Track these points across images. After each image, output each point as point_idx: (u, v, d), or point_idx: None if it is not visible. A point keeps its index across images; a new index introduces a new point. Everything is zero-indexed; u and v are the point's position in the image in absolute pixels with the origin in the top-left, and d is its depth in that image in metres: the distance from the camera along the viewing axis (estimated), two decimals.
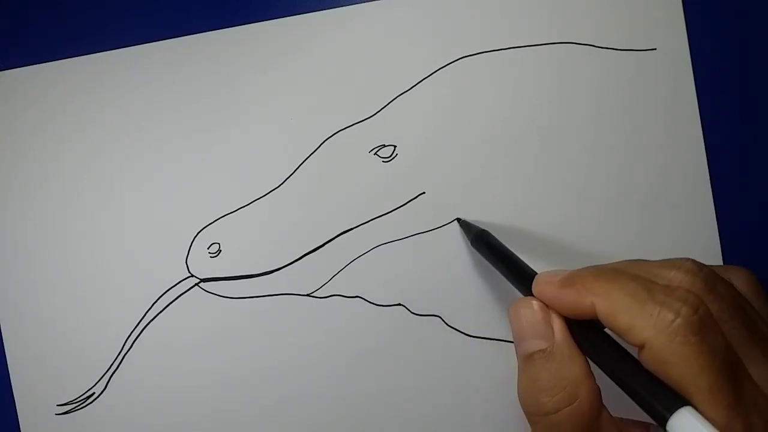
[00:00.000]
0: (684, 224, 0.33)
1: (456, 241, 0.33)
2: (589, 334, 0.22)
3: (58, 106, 0.34)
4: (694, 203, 0.33)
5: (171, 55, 0.34)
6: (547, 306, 0.23)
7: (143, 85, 0.34)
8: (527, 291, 0.25)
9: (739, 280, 0.23)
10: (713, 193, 0.33)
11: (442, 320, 0.33)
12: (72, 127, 0.34)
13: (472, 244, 0.32)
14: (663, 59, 0.33)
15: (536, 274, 0.25)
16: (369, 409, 0.33)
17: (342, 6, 0.34)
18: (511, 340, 0.33)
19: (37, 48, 0.35)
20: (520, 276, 0.26)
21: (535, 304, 0.23)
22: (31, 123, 0.35)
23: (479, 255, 0.31)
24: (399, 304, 0.33)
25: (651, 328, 0.19)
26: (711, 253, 0.33)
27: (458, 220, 0.33)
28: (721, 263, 0.33)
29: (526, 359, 0.23)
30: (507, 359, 0.33)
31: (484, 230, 0.31)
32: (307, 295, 0.34)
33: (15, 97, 0.35)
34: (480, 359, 0.33)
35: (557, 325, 0.23)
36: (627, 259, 0.23)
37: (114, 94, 0.34)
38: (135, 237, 0.34)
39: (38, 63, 0.35)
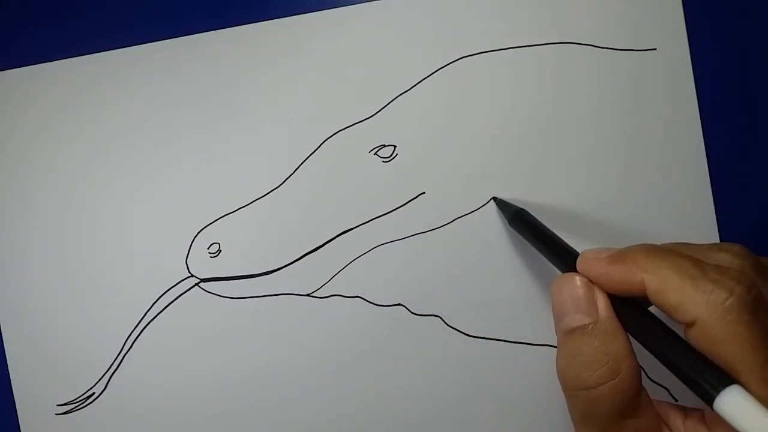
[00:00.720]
0: (684, 224, 0.33)
1: (456, 240, 0.33)
2: (633, 311, 0.22)
3: (58, 106, 0.34)
4: (694, 203, 0.33)
5: (171, 55, 0.34)
6: (591, 282, 0.23)
7: (143, 85, 0.34)
8: (569, 269, 0.24)
9: None
10: (713, 193, 0.33)
11: (442, 320, 0.33)
12: (72, 127, 0.34)
13: (510, 223, 0.31)
14: (663, 59, 0.33)
15: (578, 253, 0.25)
16: (369, 409, 0.33)
17: (342, 6, 0.34)
18: (511, 340, 0.33)
19: (37, 48, 0.35)
20: (562, 254, 0.26)
21: (579, 279, 0.23)
22: (31, 123, 0.35)
23: (481, 255, 0.31)
24: (399, 304, 0.33)
25: (703, 305, 0.19)
26: None
27: (494, 199, 0.33)
28: None
29: (568, 333, 0.23)
30: (507, 359, 0.33)
31: (522, 209, 0.31)
32: (307, 295, 0.34)
33: (15, 97, 0.35)
34: (480, 359, 0.33)
35: (602, 301, 0.23)
36: (672, 242, 0.23)
37: (114, 94, 0.34)
38: (135, 237, 0.34)
39: (38, 63, 0.35)
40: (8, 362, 0.34)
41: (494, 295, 0.33)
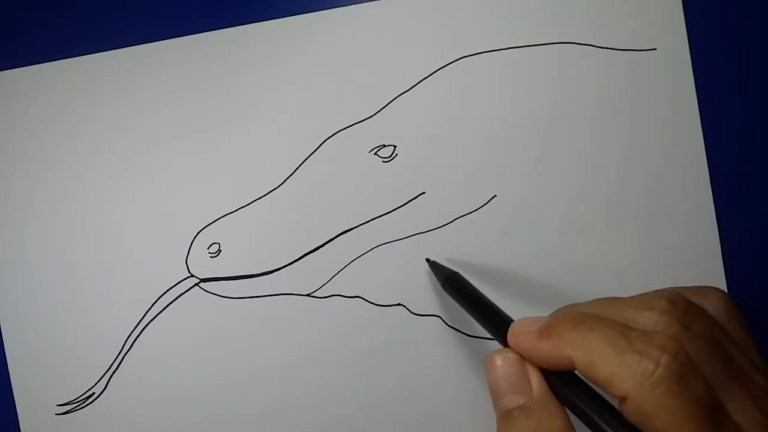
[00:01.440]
0: (684, 224, 0.33)
1: (456, 240, 0.33)
2: (568, 385, 0.22)
3: (58, 106, 0.34)
4: (694, 203, 0.33)
5: (171, 55, 0.34)
6: (523, 358, 0.23)
7: (143, 85, 0.34)
8: (503, 340, 0.24)
9: (713, 302, 0.22)
10: (713, 193, 0.33)
11: (442, 320, 0.33)
12: (72, 127, 0.34)
13: (442, 287, 0.31)
14: (663, 59, 0.33)
15: (511, 321, 0.24)
16: (369, 408, 0.33)
17: (342, 6, 0.34)
18: None
19: (37, 48, 0.35)
20: (495, 324, 0.25)
21: (510, 356, 0.23)
22: (31, 123, 0.35)
23: (480, 255, 0.31)
24: (399, 304, 0.33)
25: (631, 379, 0.19)
26: (711, 253, 0.33)
27: (427, 260, 0.33)
28: (721, 263, 0.33)
29: (505, 416, 0.22)
30: None
31: (455, 272, 0.31)
32: (307, 295, 0.34)
33: (15, 97, 0.35)
34: (480, 359, 0.33)
35: (535, 378, 0.22)
36: (602, 297, 0.23)
37: (114, 94, 0.34)
38: (135, 237, 0.34)
39: (38, 63, 0.35)
40: (8, 362, 0.34)
41: (494, 295, 0.33)
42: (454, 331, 0.33)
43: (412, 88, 0.34)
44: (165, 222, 0.34)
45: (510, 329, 0.23)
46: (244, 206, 0.34)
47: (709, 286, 0.23)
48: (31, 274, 0.34)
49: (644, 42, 0.33)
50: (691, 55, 0.33)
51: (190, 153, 0.34)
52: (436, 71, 0.34)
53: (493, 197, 0.33)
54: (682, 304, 0.21)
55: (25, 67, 0.35)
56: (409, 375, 0.33)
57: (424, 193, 0.34)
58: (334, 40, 0.34)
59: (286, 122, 0.34)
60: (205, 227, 0.34)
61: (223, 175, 0.34)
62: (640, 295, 0.22)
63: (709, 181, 0.33)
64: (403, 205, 0.34)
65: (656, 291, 0.22)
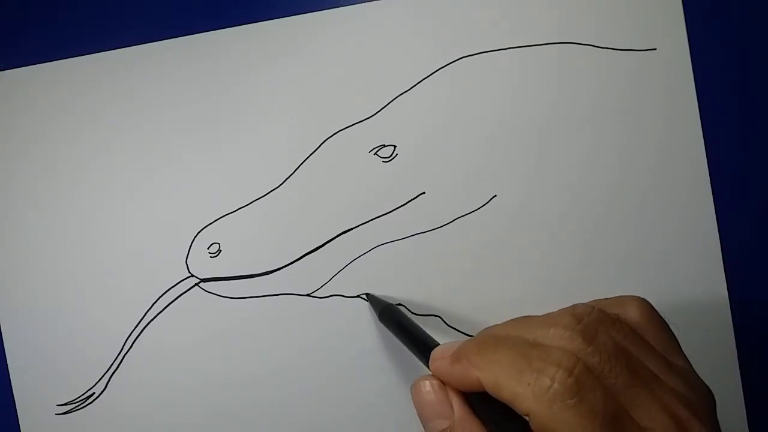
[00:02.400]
0: (684, 224, 0.33)
1: (456, 240, 0.33)
2: (486, 405, 0.22)
3: (58, 106, 0.34)
4: (694, 203, 0.33)
5: (171, 55, 0.34)
6: (443, 382, 0.24)
7: (143, 85, 0.34)
8: (427, 363, 0.25)
9: (632, 310, 0.23)
10: (713, 193, 0.33)
11: (442, 320, 0.33)
12: (72, 127, 0.34)
13: (379, 319, 0.32)
14: (663, 59, 0.33)
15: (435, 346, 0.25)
16: (369, 408, 0.33)
17: (342, 6, 0.34)
18: None
19: (37, 48, 0.35)
20: (423, 351, 0.26)
21: (429, 383, 0.24)
22: (31, 123, 0.35)
23: (480, 255, 0.31)
24: (399, 304, 0.33)
25: (531, 396, 0.20)
26: (711, 253, 0.33)
27: (367, 294, 0.33)
28: (720, 263, 0.33)
29: None
30: None
31: (390, 305, 0.31)
32: (307, 295, 0.34)
33: (15, 97, 0.35)
34: None
35: (455, 401, 0.23)
36: (517, 317, 0.23)
37: (114, 94, 0.34)
38: (135, 237, 0.34)
39: (38, 63, 0.35)
40: (8, 362, 0.34)
41: (494, 295, 0.33)
42: (454, 331, 0.33)
43: (412, 88, 0.34)
44: (165, 222, 0.34)
45: (431, 356, 0.25)
46: (244, 206, 0.34)
47: (629, 296, 0.24)
48: (31, 274, 0.34)
49: (644, 42, 0.33)
50: (691, 55, 0.33)
51: (190, 153, 0.34)
52: (436, 71, 0.34)
53: (493, 197, 0.33)
54: (589, 317, 0.22)
55: (25, 67, 0.35)
56: (409, 375, 0.33)
57: (424, 193, 0.34)
58: (334, 40, 0.34)
59: (286, 122, 0.34)
60: (205, 227, 0.34)
61: (223, 175, 0.34)
62: (550, 312, 0.23)
63: (709, 181, 0.33)
64: (403, 205, 0.34)
65: (569, 306, 0.23)
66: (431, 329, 0.33)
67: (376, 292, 0.33)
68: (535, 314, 0.23)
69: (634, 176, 0.33)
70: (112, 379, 0.34)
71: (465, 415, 0.23)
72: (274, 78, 0.34)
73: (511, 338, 0.22)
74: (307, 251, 0.34)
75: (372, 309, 0.33)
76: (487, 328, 0.24)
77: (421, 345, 0.27)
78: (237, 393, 0.34)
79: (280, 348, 0.34)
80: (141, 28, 0.34)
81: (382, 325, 0.32)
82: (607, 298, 0.24)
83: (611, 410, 0.19)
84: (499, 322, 0.24)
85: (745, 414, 0.32)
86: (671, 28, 0.33)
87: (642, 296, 0.31)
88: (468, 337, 0.33)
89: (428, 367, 0.25)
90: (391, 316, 0.31)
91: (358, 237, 0.34)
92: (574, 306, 0.23)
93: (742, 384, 0.32)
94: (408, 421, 0.33)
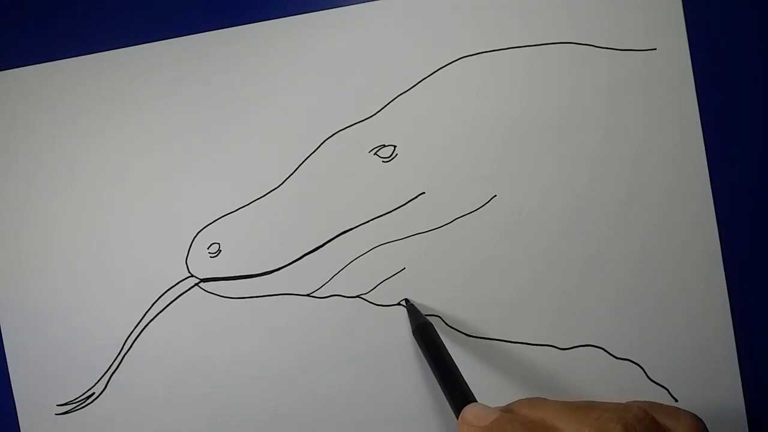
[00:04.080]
0: (684, 224, 0.33)
1: (456, 240, 0.33)
2: None
3: (58, 106, 0.34)
4: (694, 203, 0.33)
5: (171, 55, 0.34)
6: None
7: (143, 85, 0.34)
8: (456, 413, 0.25)
9: (685, 428, 0.23)
10: (713, 193, 0.33)
11: (442, 320, 0.33)
12: (72, 128, 0.34)
13: (413, 334, 0.32)
14: (663, 59, 0.33)
15: (471, 398, 0.25)
16: (369, 408, 0.33)
17: (342, 6, 0.34)
18: (511, 340, 0.33)
19: (37, 48, 0.35)
20: (454, 394, 0.27)
21: None
22: (31, 123, 0.35)
23: (481, 255, 0.31)
24: (399, 304, 0.33)
25: None
26: (711, 253, 0.33)
27: (406, 301, 0.33)
28: (721, 263, 0.33)
29: None
30: (506, 359, 0.33)
31: (428, 323, 0.31)
32: (307, 295, 0.34)
33: (15, 97, 0.35)
34: (480, 359, 0.33)
35: None
36: (567, 401, 0.24)
37: (114, 95, 0.34)
38: (135, 237, 0.34)
39: (38, 63, 0.35)
40: (8, 362, 0.34)
41: (494, 295, 0.33)
42: (454, 331, 0.33)
43: (412, 88, 0.34)
44: (165, 222, 0.34)
45: (461, 417, 0.25)
46: (244, 206, 0.34)
47: (686, 412, 0.24)
48: (30, 274, 0.34)
49: (644, 42, 0.33)
50: (691, 55, 0.33)
51: (190, 153, 0.34)
52: (436, 71, 0.34)
53: (493, 197, 0.33)
54: (641, 425, 0.22)
55: (25, 67, 0.35)
56: (409, 375, 0.33)
57: (424, 193, 0.34)
58: (334, 40, 0.34)
59: (286, 122, 0.34)
60: (205, 227, 0.34)
61: (223, 175, 0.34)
62: (599, 405, 0.23)
63: (709, 181, 0.33)
64: (403, 205, 0.34)
65: (623, 405, 0.23)
66: None
67: (376, 291, 0.33)
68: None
69: (634, 176, 0.33)
70: (112, 379, 0.34)
71: None
72: (274, 78, 0.34)
73: (550, 429, 0.22)
74: (307, 251, 0.34)
75: (408, 319, 0.33)
76: (527, 403, 0.24)
77: (454, 388, 0.27)
78: (237, 393, 0.34)
79: (280, 348, 0.34)
80: (141, 28, 0.34)
81: (382, 326, 0.32)
82: (663, 405, 0.24)
83: None
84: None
85: (745, 414, 0.32)
86: (671, 28, 0.33)
87: (642, 296, 0.31)
88: (469, 337, 0.33)
89: (454, 413, 0.25)
90: (427, 336, 0.30)
91: (358, 237, 0.34)
92: (628, 407, 0.23)
93: (742, 384, 0.32)
94: (407, 421, 0.33)
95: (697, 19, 0.33)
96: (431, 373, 0.30)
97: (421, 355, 0.32)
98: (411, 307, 0.33)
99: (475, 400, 0.26)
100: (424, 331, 0.30)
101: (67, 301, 0.34)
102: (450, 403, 0.27)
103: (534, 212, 0.33)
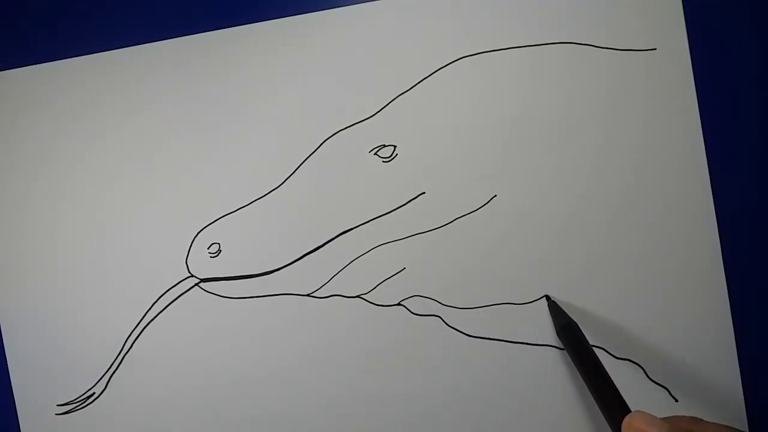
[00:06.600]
0: (684, 224, 0.33)
1: (456, 240, 0.33)
2: None
3: (58, 106, 0.34)
4: (694, 203, 0.33)
5: (171, 55, 0.34)
6: None
7: (143, 85, 0.34)
8: (615, 427, 0.25)
9: None
10: (713, 194, 0.33)
11: (442, 320, 0.33)
12: (72, 127, 0.34)
13: (558, 335, 0.31)
14: (663, 59, 0.33)
15: (626, 409, 0.25)
16: (369, 408, 0.33)
17: (342, 6, 0.34)
18: (511, 340, 0.33)
19: (37, 48, 0.35)
20: (611, 405, 0.26)
21: None
22: (32, 123, 0.35)
23: (481, 255, 0.31)
24: (399, 304, 0.33)
25: None
26: (711, 254, 0.33)
27: (547, 297, 0.33)
28: (721, 264, 0.33)
29: None
30: (506, 359, 0.33)
31: (573, 323, 0.30)
32: (307, 295, 0.34)
33: (15, 97, 0.35)
34: (480, 359, 0.33)
35: None
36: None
37: (114, 94, 0.34)
38: (135, 237, 0.34)
39: (38, 63, 0.35)
40: (8, 362, 0.34)
41: (494, 295, 0.33)
42: (454, 331, 0.33)
43: (412, 88, 0.34)
44: (165, 222, 0.34)
45: (628, 422, 0.24)
46: (244, 206, 0.34)
47: (736, 430, 0.25)
48: (30, 275, 0.34)
49: (644, 42, 0.33)
50: (691, 55, 0.33)
51: (190, 153, 0.34)
52: (436, 71, 0.34)
53: (493, 197, 0.33)
54: None
55: (25, 67, 0.35)
56: (409, 375, 0.33)
57: (424, 193, 0.34)
58: (334, 40, 0.34)
59: (286, 122, 0.34)
60: (205, 227, 0.34)
61: (223, 175, 0.34)
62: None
63: (709, 181, 0.33)
64: (403, 205, 0.34)
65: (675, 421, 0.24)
66: (431, 329, 0.33)
67: (376, 292, 0.33)
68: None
69: (634, 176, 0.33)
70: (112, 379, 0.34)
71: None
72: (275, 78, 0.34)
73: None
74: (307, 251, 0.34)
75: (550, 316, 0.32)
76: (692, 421, 0.25)
77: (610, 399, 0.27)
78: (237, 392, 0.34)
79: (280, 348, 0.34)
80: (141, 28, 0.34)
81: (382, 326, 0.32)
82: (713, 424, 0.25)
83: None
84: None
85: (745, 414, 0.32)
86: (671, 28, 0.33)
87: (642, 296, 0.31)
88: (469, 337, 0.33)
89: (610, 424, 0.25)
90: (574, 337, 0.30)
91: (358, 237, 0.34)
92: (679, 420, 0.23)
93: (742, 384, 0.32)
94: (406, 421, 0.33)
95: (697, 19, 0.33)
96: (431, 372, 0.29)
97: (422, 353, 0.32)
98: (553, 305, 0.32)
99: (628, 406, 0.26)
100: (570, 332, 0.30)
101: (67, 301, 0.34)
102: (602, 408, 0.27)
103: (534, 212, 0.33)
